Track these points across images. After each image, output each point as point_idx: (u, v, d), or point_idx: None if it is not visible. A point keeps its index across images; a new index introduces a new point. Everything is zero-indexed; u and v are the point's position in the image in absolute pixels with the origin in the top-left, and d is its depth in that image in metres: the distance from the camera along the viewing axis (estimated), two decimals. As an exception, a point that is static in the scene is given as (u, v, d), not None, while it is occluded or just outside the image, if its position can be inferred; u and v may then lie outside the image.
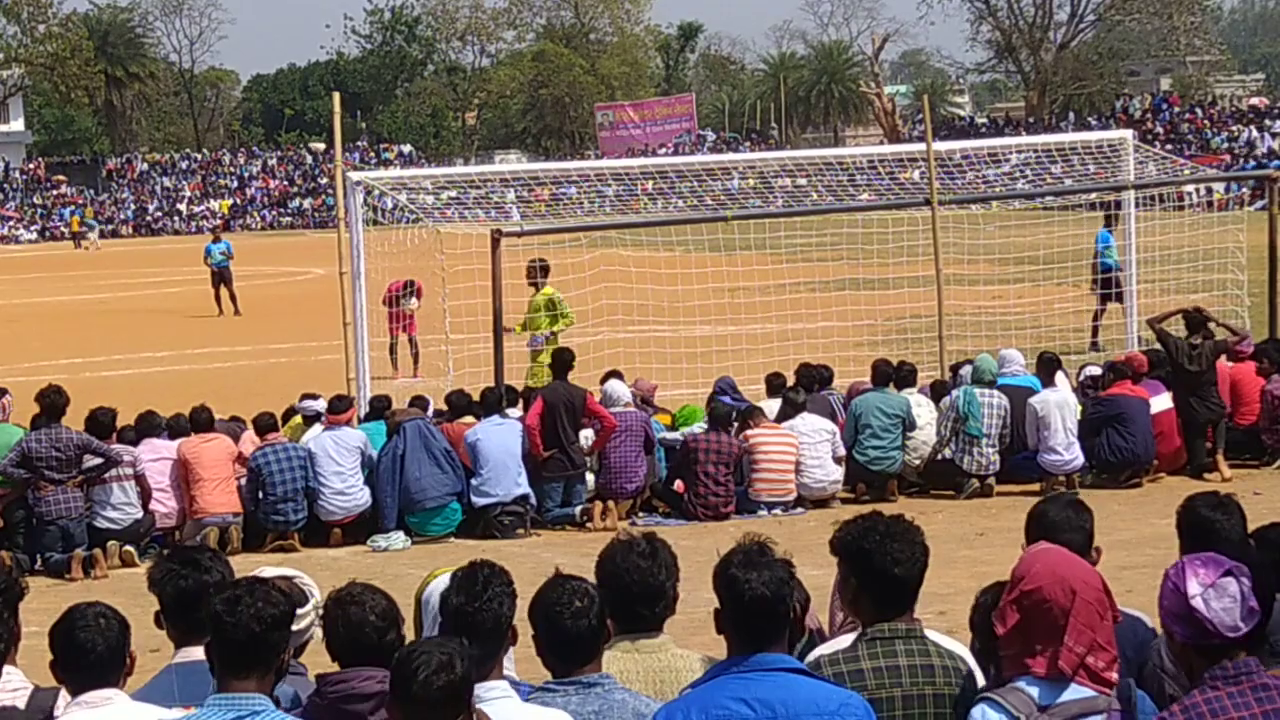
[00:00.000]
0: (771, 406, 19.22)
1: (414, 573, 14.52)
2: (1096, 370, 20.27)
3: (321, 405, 18.52)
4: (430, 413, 18.84)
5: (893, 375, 19.49)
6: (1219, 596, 5.21)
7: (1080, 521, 6.96)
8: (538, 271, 22.53)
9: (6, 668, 6.29)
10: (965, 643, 6.60)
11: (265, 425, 18.17)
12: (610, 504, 18.13)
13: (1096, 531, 7.01)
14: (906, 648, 5.89)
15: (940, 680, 5.88)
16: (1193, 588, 5.23)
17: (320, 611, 6.52)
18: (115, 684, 6.09)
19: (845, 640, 6.16)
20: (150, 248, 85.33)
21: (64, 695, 6.18)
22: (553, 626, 5.88)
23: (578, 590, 5.96)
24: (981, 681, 6.11)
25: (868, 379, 19.67)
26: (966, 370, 19.67)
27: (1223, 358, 19.61)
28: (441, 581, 6.49)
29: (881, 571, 5.89)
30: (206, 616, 5.62)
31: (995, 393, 18.89)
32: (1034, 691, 5.62)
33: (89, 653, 6.04)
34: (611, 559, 6.20)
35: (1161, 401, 19.17)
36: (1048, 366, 19.57)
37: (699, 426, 18.82)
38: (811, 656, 6.06)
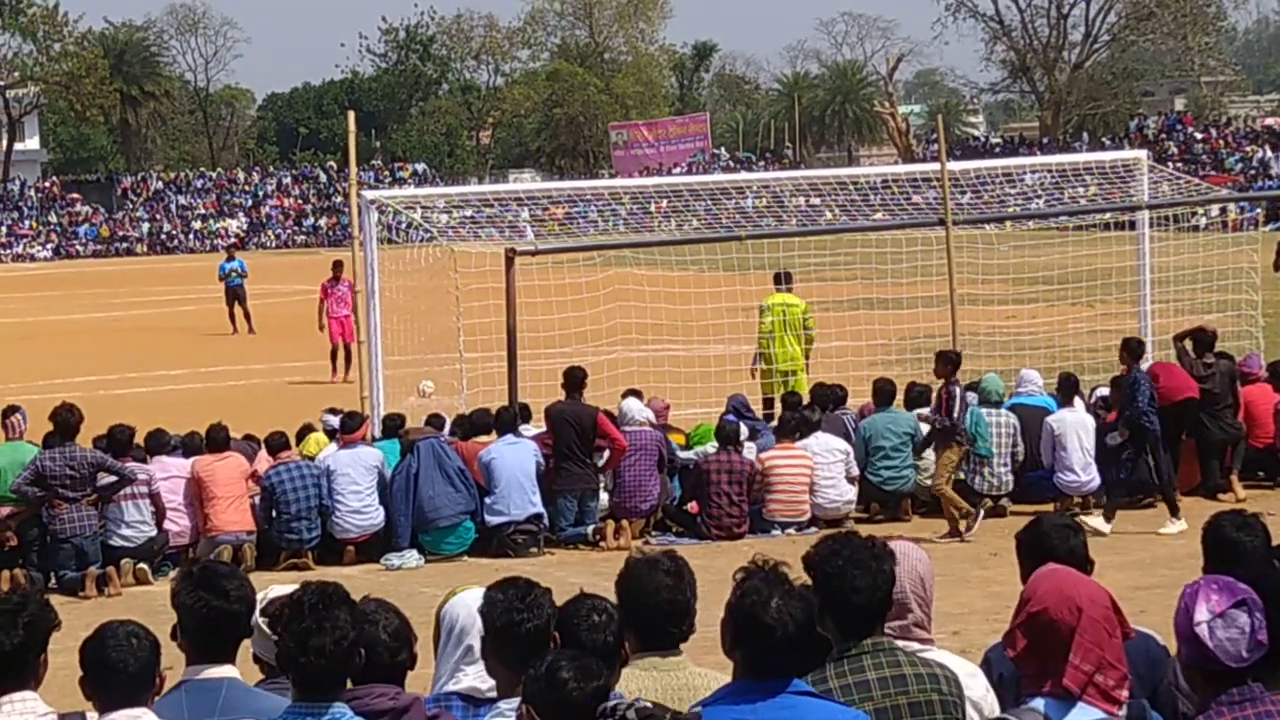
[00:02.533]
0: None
1: (427, 591, 14.53)
2: (1107, 391, 20.26)
3: (341, 421, 18.61)
4: (446, 431, 18.87)
5: (894, 393, 19.50)
6: (1226, 627, 5.20)
7: (1078, 536, 6.90)
8: None
9: (25, 693, 6.26)
10: (977, 662, 6.61)
11: (277, 444, 18.21)
12: (624, 523, 18.14)
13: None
14: (874, 661, 5.87)
15: (915, 688, 5.86)
16: (1200, 614, 5.22)
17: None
18: (144, 703, 6.13)
19: None
20: (165, 266, 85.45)
21: (91, 714, 6.20)
22: (570, 643, 5.87)
23: (597, 607, 5.96)
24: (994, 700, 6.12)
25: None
26: (972, 396, 19.70)
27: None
28: (462, 599, 6.50)
29: (840, 596, 5.87)
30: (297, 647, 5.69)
31: (1003, 412, 18.91)
32: (1045, 711, 5.61)
33: (120, 672, 6.07)
34: (636, 577, 6.15)
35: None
36: (1067, 387, 19.51)
37: (711, 446, 18.82)
38: None
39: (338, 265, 32.85)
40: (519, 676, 5.60)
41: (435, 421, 19.26)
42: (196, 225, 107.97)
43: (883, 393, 19.50)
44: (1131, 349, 18.22)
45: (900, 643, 6.07)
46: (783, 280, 23.43)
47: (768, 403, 22.69)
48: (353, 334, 30.56)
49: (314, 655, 5.62)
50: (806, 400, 20.14)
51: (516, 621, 5.68)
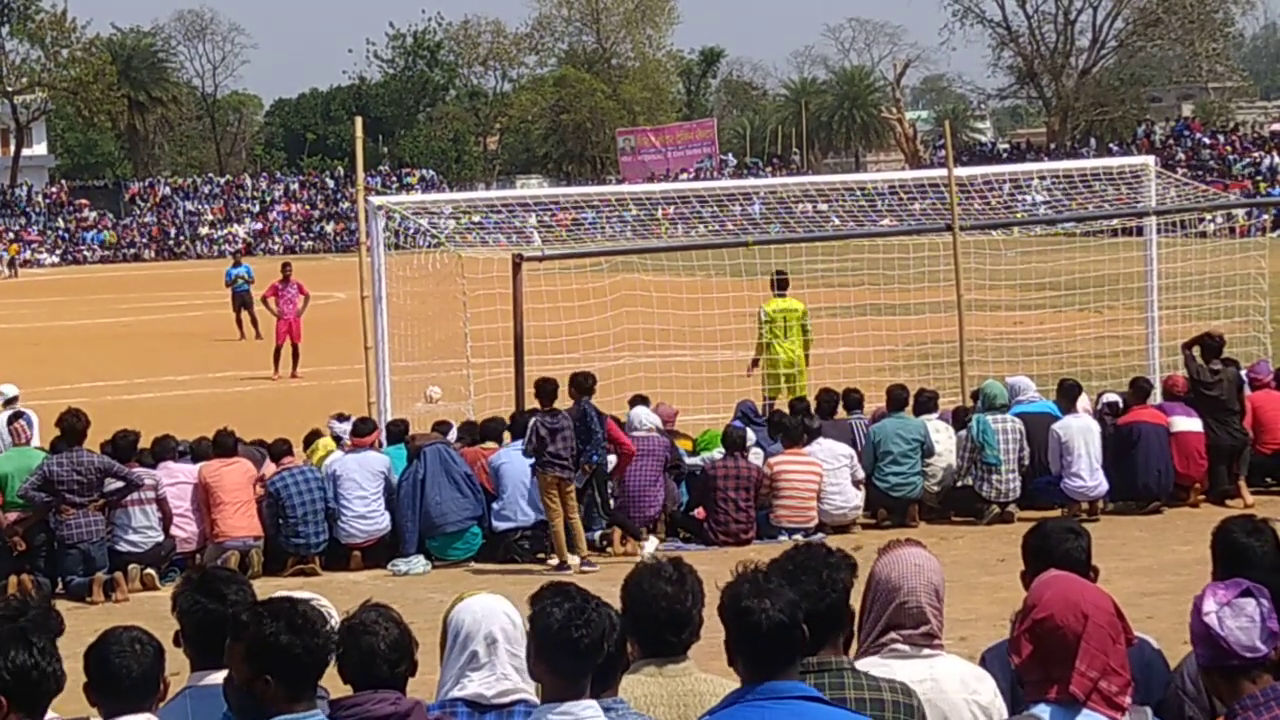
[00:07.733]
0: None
1: (434, 597, 14.54)
2: (1114, 397, 20.25)
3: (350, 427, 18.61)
4: (453, 436, 18.85)
5: (907, 400, 19.51)
6: (1235, 615, 5.20)
7: (1078, 540, 6.91)
8: None
9: None
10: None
11: (280, 451, 18.23)
12: (630, 529, 18.12)
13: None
14: (855, 680, 5.90)
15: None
16: (1208, 605, 5.23)
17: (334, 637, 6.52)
18: (148, 709, 6.14)
19: None
20: (171, 271, 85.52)
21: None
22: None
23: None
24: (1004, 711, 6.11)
25: (884, 405, 19.71)
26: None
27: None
28: (468, 605, 6.49)
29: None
30: (262, 643, 5.62)
31: (1009, 418, 18.88)
32: (1047, 718, 5.60)
33: (123, 678, 6.08)
34: (638, 584, 6.13)
35: (1188, 423, 19.11)
36: (1069, 393, 19.50)
37: (718, 452, 18.81)
38: None
39: (286, 267, 37.31)
40: (570, 684, 5.60)
41: (441, 428, 19.25)
42: (204, 231, 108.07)
43: (895, 399, 19.52)
44: (579, 384, 17.85)
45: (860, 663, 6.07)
46: (777, 285, 23.58)
47: (769, 405, 22.71)
48: (299, 334, 34.88)
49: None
50: (814, 406, 20.13)
51: (575, 639, 5.63)
